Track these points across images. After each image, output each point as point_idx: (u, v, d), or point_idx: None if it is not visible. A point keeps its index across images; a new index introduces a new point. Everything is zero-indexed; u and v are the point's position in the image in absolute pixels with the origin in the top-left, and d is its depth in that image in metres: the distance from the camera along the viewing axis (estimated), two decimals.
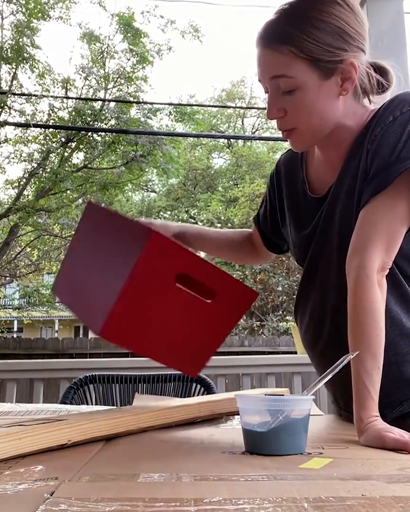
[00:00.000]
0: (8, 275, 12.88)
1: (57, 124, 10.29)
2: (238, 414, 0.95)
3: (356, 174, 1.03)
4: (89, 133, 10.48)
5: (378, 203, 0.97)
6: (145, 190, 17.28)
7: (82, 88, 10.79)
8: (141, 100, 10.80)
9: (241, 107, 17.27)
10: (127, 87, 10.93)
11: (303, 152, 1.21)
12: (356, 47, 1.01)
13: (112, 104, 10.51)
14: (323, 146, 1.10)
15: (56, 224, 11.56)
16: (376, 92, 1.08)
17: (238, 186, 15.91)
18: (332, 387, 1.15)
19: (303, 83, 1.00)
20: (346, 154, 1.07)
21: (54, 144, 10.57)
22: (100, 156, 10.78)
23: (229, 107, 17.75)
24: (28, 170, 10.89)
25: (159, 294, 0.95)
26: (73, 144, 10.69)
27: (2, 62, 9.68)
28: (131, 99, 10.58)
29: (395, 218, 0.97)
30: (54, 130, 10.62)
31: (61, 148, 10.56)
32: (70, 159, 10.94)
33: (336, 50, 0.99)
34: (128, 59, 10.99)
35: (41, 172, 10.66)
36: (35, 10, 9.81)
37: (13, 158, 10.99)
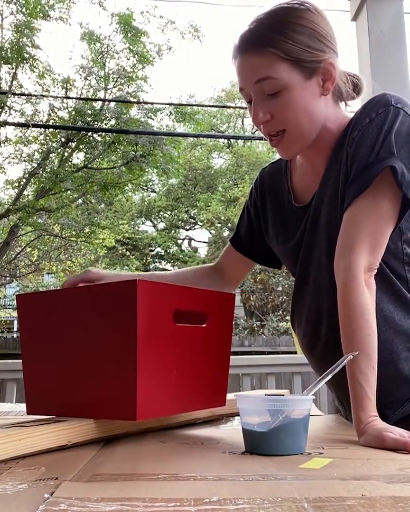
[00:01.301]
0: (8, 275, 12.88)
1: (57, 124, 10.30)
2: (238, 415, 0.95)
3: (338, 177, 1.04)
4: (89, 133, 10.49)
5: (361, 204, 0.98)
6: (146, 190, 17.29)
7: (82, 88, 10.79)
8: (141, 100, 10.80)
9: (241, 107, 17.25)
10: (128, 87, 10.93)
11: (287, 163, 1.21)
12: (331, 49, 1.05)
13: (112, 104, 10.51)
14: (308, 151, 1.10)
15: (56, 224, 11.57)
16: (351, 96, 1.11)
17: (238, 186, 15.92)
18: (335, 390, 1.15)
19: (287, 83, 1.01)
20: (328, 158, 1.08)
21: (54, 144, 10.58)
22: (100, 156, 10.78)
23: (229, 107, 17.76)
24: (28, 170, 10.89)
25: (166, 341, 0.88)
26: (73, 144, 10.69)
27: (2, 62, 9.67)
28: (132, 99, 10.58)
29: (378, 218, 0.97)
30: (54, 130, 10.63)
31: (61, 148, 10.56)
32: (70, 159, 10.94)
33: (315, 50, 1.02)
34: (128, 59, 11.00)
35: (41, 172, 10.66)
36: (35, 10, 9.81)
37: (13, 158, 11.01)
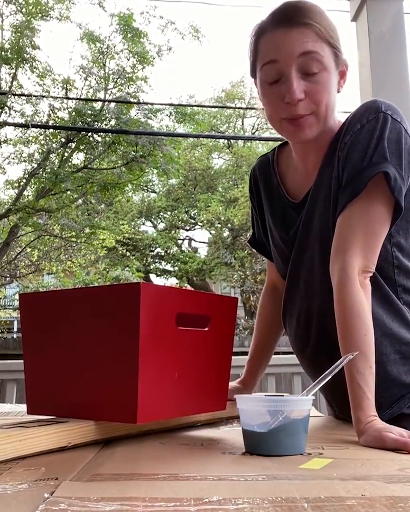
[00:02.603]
0: (8, 275, 12.88)
1: (57, 124, 10.29)
2: (238, 418, 0.95)
3: (330, 181, 1.05)
4: (89, 134, 10.48)
5: (354, 208, 0.99)
6: (146, 191, 17.28)
7: (82, 88, 10.79)
8: (141, 101, 10.80)
9: (241, 108, 17.26)
10: (128, 87, 10.93)
11: (274, 157, 1.22)
12: None
13: (112, 104, 10.51)
14: (305, 148, 1.10)
15: (56, 225, 11.57)
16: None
17: (238, 186, 15.91)
18: (324, 391, 1.16)
19: (328, 64, 1.01)
20: (322, 159, 1.08)
21: (54, 145, 10.57)
22: (101, 157, 10.77)
23: (229, 107, 17.75)
24: (28, 170, 10.88)
25: (168, 344, 0.88)
26: (73, 145, 10.68)
27: (2, 62, 9.67)
28: (132, 99, 10.58)
29: (371, 221, 0.98)
30: (54, 130, 10.62)
31: (61, 148, 10.56)
32: (70, 160, 10.93)
33: (339, 45, 1.03)
34: (128, 60, 10.99)
35: (41, 172, 10.65)
36: (35, 11, 9.81)
37: (13, 159, 11.00)
